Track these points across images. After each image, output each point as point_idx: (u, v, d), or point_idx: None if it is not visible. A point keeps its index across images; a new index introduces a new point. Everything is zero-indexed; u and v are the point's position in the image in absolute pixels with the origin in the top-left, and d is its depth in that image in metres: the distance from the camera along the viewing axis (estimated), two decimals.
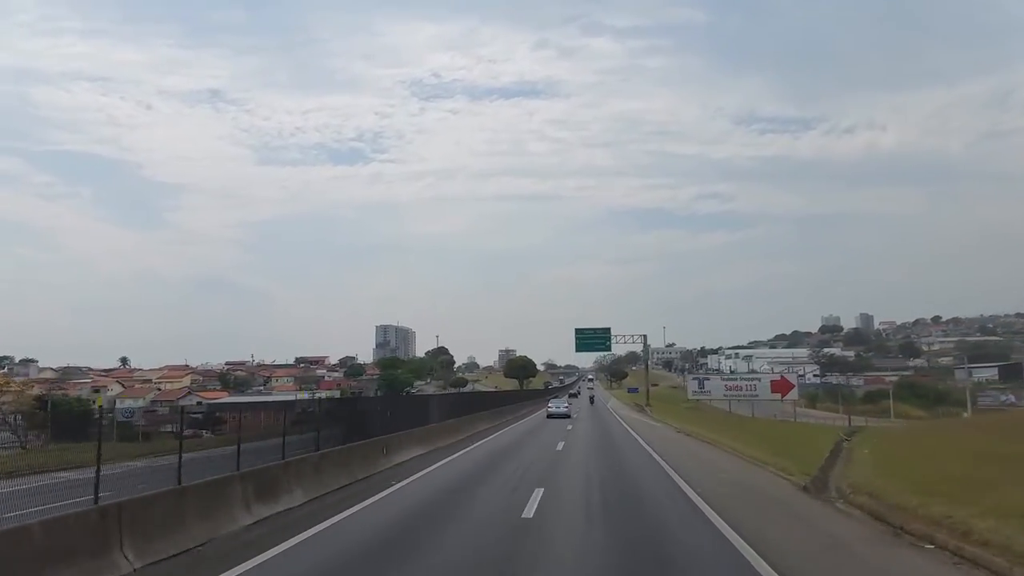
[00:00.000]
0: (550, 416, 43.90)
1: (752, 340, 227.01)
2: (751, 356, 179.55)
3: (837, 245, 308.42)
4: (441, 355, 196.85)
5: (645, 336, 62.48)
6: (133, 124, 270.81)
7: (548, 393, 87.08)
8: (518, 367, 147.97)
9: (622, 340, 62.43)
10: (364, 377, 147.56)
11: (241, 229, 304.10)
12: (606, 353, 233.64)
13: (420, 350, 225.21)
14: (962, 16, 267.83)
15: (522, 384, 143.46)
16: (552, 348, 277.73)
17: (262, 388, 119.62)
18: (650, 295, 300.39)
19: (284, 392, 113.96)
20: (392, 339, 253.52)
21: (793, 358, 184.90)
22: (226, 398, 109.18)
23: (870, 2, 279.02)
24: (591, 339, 61.49)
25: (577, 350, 61.74)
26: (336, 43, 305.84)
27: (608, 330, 61.64)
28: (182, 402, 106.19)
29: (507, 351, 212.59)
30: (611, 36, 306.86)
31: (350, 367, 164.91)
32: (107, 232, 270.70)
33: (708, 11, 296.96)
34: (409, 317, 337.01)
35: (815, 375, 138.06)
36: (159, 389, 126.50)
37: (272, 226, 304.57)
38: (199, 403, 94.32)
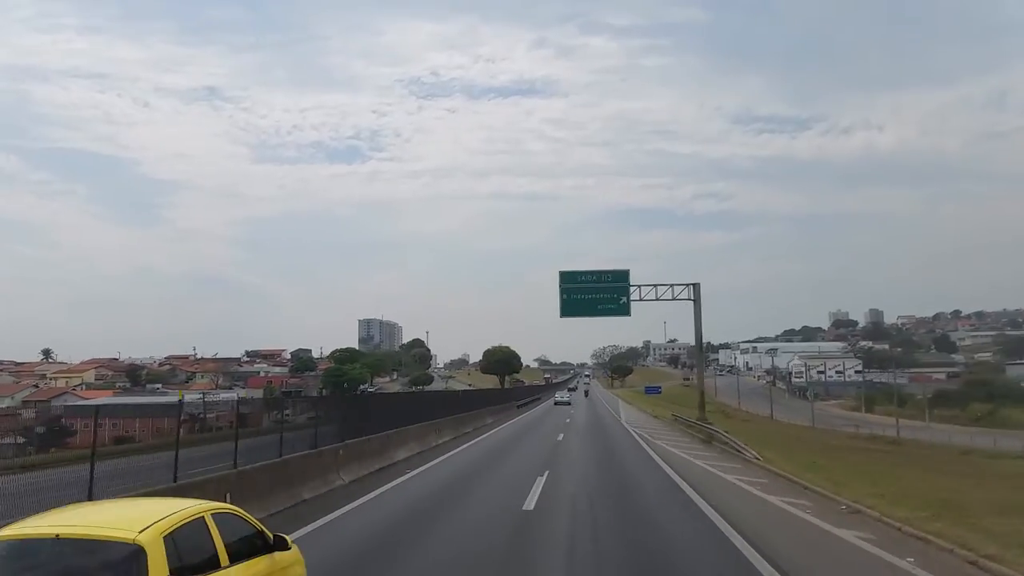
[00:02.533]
0: (556, 404, 57.92)
1: (758, 336, 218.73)
2: (775, 350, 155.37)
3: (836, 243, 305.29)
4: (415, 348, 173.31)
5: (696, 286, 31.00)
6: (130, 121, 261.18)
7: (516, 397, 58.60)
8: (497, 361, 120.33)
9: (649, 294, 31.61)
10: (313, 373, 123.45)
11: (237, 226, 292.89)
12: (607, 345, 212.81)
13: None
14: (960, 16, 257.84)
15: (503, 382, 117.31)
16: (550, 347, 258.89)
17: (159, 387, 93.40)
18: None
19: (184, 392, 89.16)
20: (376, 334, 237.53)
21: (820, 351, 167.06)
22: (102, 399, 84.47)
23: (868, 2, 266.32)
24: (589, 293, 32.02)
25: (563, 315, 32.42)
26: (335, 41, 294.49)
27: (626, 275, 31.75)
28: (56, 402, 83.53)
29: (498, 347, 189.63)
30: (610, 35, 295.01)
31: (299, 361, 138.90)
32: (102, 229, 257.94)
33: (707, 11, 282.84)
34: (404, 315, 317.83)
35: (856, 371, 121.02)
36: (36, 387, 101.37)
37: (268, 224, 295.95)
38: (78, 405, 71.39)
